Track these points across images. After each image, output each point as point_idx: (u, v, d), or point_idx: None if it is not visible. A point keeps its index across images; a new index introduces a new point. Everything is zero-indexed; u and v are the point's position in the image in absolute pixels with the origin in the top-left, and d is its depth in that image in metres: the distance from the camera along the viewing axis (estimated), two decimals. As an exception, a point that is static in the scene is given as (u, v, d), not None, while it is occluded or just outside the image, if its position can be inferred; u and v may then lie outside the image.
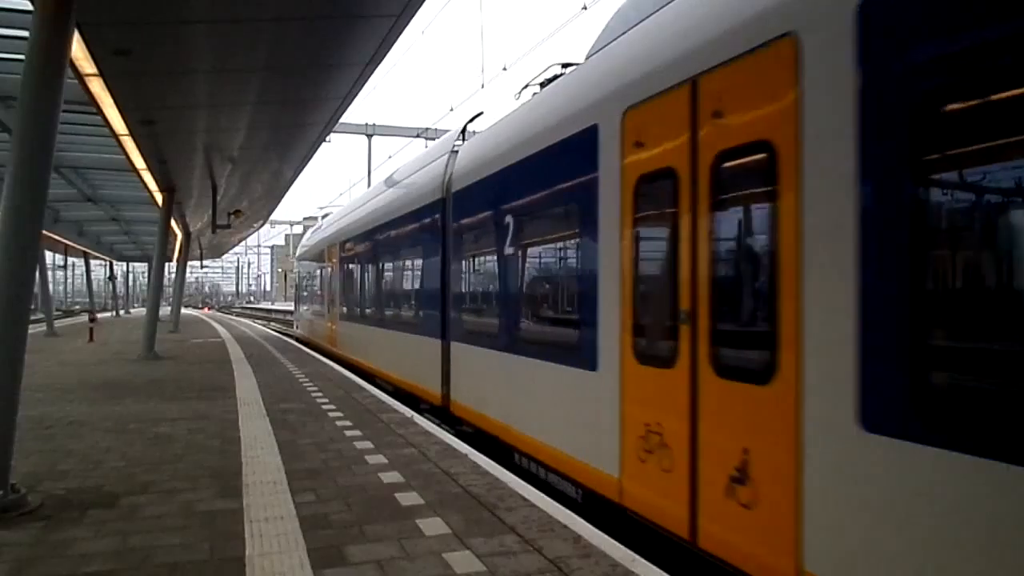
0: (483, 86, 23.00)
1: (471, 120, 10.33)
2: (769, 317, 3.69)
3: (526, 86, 8.07)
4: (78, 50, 7.78)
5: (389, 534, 4.33)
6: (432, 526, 4.46)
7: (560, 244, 6.49)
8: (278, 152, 15.18)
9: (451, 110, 35.55)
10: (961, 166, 2.94)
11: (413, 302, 11.00)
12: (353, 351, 15.27)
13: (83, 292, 61.47)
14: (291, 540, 4.24)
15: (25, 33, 8.68)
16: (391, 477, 5.65)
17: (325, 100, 10.73)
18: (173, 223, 23.07)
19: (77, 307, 64.56)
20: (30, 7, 5.70)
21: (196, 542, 4.21)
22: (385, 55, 8.51)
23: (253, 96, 10.49)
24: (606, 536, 4.32)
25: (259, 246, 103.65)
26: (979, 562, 2.68)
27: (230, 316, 55.52)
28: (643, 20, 5.40)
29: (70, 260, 48.81)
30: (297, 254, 26.85)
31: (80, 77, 8.82)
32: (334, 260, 17.45)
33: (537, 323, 6.93)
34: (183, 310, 37.46)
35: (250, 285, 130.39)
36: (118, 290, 54.08)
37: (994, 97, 2.76)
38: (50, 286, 32.19)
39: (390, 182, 13.59)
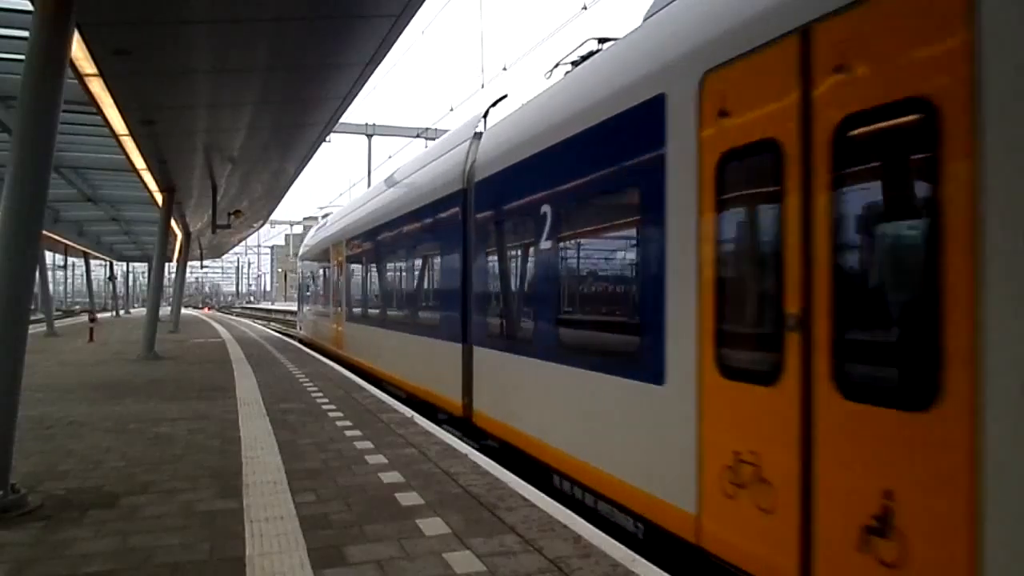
0: (483, 86, 23.01)
1: (494, 104, 9.28)
2: (931, 324, 2.90)
3: (557, 64, 7.32)
4: (78, 50, 7.78)
5: (389, 534, 4.33)
6: (432, 526, 4.46)
7: (613, 234, 5.64)
8: (278, 152, 15.18)
9: (451, 110, 35.56)
10: None
11: (428, 302, 10.15)
12: (361, 354, 14.47)
13: (83, 292, 61.47)
14: (291, 540, 4.23)
15: (25, 33, 8.70)
16: (391, 477, 5.65)
17: (325, 100, 10.74)
18: (173, 223, 23.07)
19: (77, 307, 64.58)
20: (30, 7, 5.70)
21: (196, 542, 4.21)
22: (385, 55, 8.51)
23: (253, 96, 10.49)
24: (606, 536, 4.31)
25: (259, 246, 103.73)
26: None
27: (230, 316, 55.54)
28: None
29: (70, 260, 48.86)
30: (301, 252, 26.18)
31: (80, 77, 8.82)
32: (340, 258, 16.60)
33: (582, 327, 6.00)
34: (183, 310, 37.48)
35: (250, 285, 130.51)
36: (118, 290, 54.08)
37: None
38: (50, 286, 32.20)
39: (401, 174, 12.76)
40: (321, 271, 19.96)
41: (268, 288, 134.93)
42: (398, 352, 11.60)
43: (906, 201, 3.23)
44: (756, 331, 3.94)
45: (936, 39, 2.93)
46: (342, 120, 13.08)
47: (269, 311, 63.64)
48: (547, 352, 6.26)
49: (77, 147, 15.83)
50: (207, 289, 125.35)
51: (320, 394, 10.30)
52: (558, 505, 4.93)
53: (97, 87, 9.31)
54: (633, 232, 5.14)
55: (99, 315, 30.56)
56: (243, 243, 67.06)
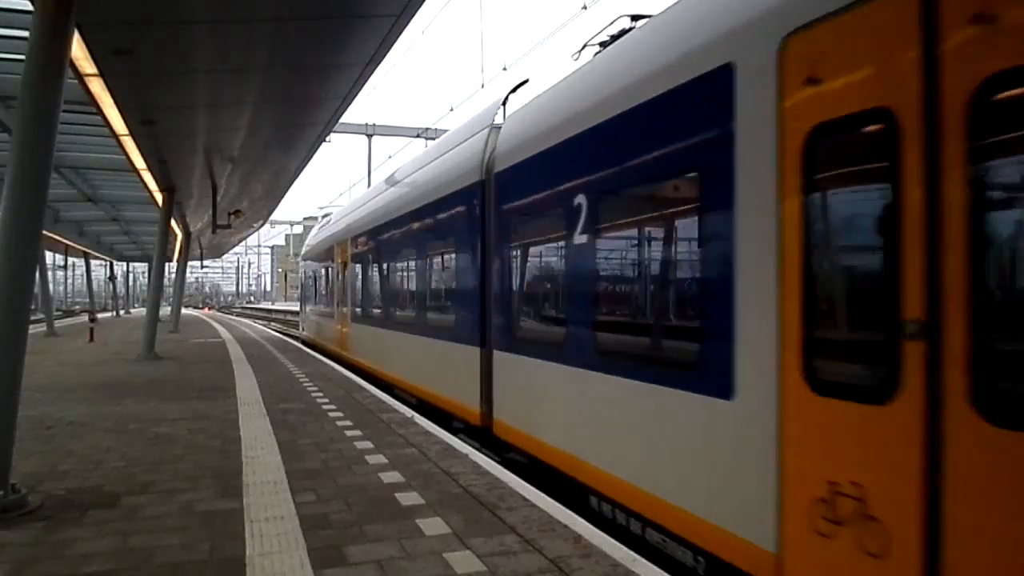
0: (483, 86, 23.03)
1: (514, 90, 8.60)
2: None
3: (585, 45, 6.78)
4: (78, 50, 7.78)
5: (389, 534, 4.33)
6: (432, 526, 4.46)
7: (666, 225, 4.94)
8: (278, 152, 15.18)
9: (451, 110, 35.57)
10: None
11: (441, 303, 9.54)
12: (369, 357, 13.74)
13: (83, 292, 61.50)
14: (291, 540, 4.23)
15: (25, 33, 8.69)
16: (391, 477, 5.65)
17: (325, 100, 10.74)
18: (173, 223, 23.08)
19: (77, 307, 64.59)
20: (30, 7, 5.70)
21: (196, 542, 4.21)
22: (385, 55, 8.51)
23: (253, 96, 10.50)
24: (606, 536, 4.31)
25: (259, 246, 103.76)
26: None
27: (230, 316, 55.55)
28: None
29: (70, 260, 48.85)
30: (304, 250, 25.44)
31: (80, 77, 8.83)
32: (346, 256, 15.86)
33: (627, 331, 5.34)
34: (183, 310, 37.47)
35: (250, 285, 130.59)
36: (118, 290, 54.10)
37: None
38: (50, 286, 32.24)
39: (410, 168, 12.11)
40: (326, 270, 19.17)
41: (268, 288, 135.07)
42: (408, 355, 10.99)
43: None
44: (861, 338, 3.36)
45: None
46: (342, 120, 13.09)
47: (269, 311, 63.66)
48: (584, 359, 5.58)
49: (77, 147, 15.84)
50: (207, 289, 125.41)
51: (320, 394, 10.30)
52: (558, 505, 4.93)
53: (97, 87, 9.32)
54: (691, 222, 4.48)
55: (99, 315, 30.58)
56: (243, 243, 67.10)
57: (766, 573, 3.67)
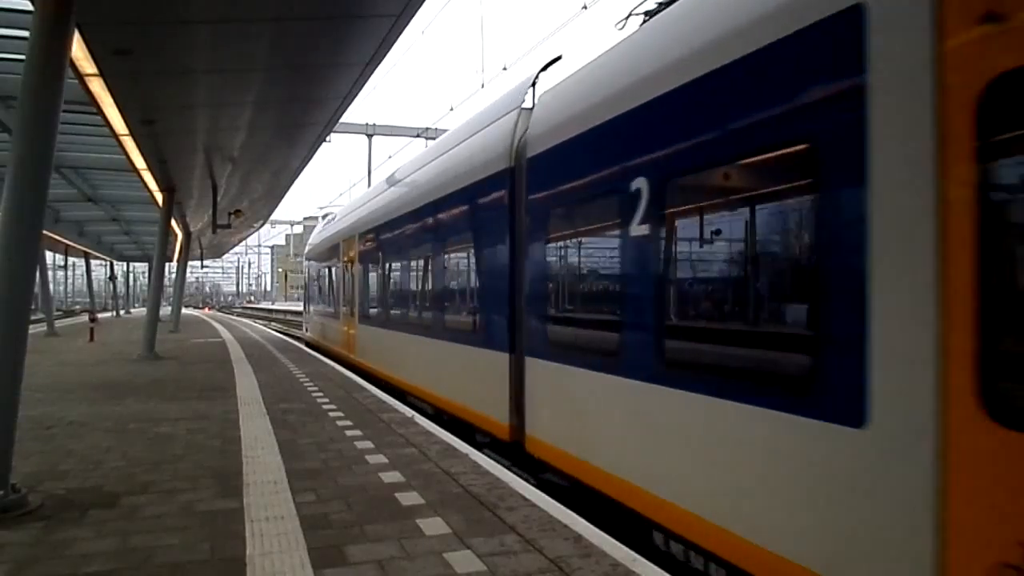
0: (483, 86, 23.03)
1: (545, 68, 7.72)
2: None
3: (630, 14, 6.13)
4: (78, 50, 7.79)
5: (389, 534, 4.33)
6: (432, 526, 4.46)
7: (764, 208, 4.10)
8: (278, 152, 15.19)
9: (451, 110, 35.58)
10: None
11: (462, 303, 8.77)
12: (379, 361, 12.81)
13: (83, 292, 61.51)
14: (291, 540, 4.23)
15: (25, 33, 8.70)
16: (391, 477, 5.65)
17: (325, 100, 10.74)
18: (173, 223, 23.09)
19: (77, 307, 64.64)
20: (30, 7, 5.70)
21: (196, 542, 4.21)
22: (385, 55, 8.51)
23: (253, 96, 10.50)
24: (607, 536, 4.30)
25: (259, 246, 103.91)
26: None
27: (231, 316, 55.59)
28: None
29: (70, 260, 48.90)
30: (308, 248, 24.56)
31: (80, 77, 8.83)
32: (355, 253, 14.97)
33: (708, 338, 4.45)
34: (183, 310, 37.50)
35: (250, 285, 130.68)
36: (118, 290, 54.13)
37: None
38: (50, 286, 32.26)
39: (423, 159, 11.32)
40: (333, 269, 18.07)
41: (268, 288, 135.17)
42: (423, 360, 10.11)
43: None
44: None
45: None
46: (342, 120, 13.10)
47: (270, 311, 63.77)
48: (648, 371, 4.72)
49: (77, 147, 15.86)
50: (207, 289, 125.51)
51: (320, 394, 10.30)
52: (558, 505, 4.93)
53: (97, 87, 9.32)
54: (798, 203, 3.75)
55: (99, 315, 30.60)
56: (243, 243, 67.15)
57: None
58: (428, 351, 9.82)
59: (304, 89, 10.39)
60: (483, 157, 7.94)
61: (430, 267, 9.91)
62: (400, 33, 7.78)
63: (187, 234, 30.24)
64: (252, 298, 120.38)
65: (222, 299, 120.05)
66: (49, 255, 39.13)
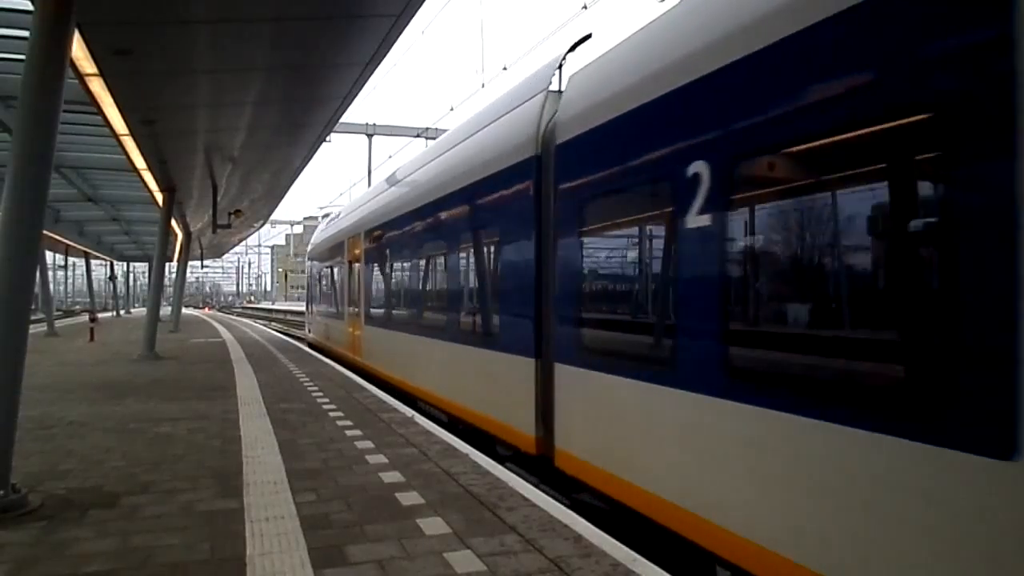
0: (483, 86, 23.02)
1: (573, 48, 7.03)
2: None
3: None
4: (78, 50, 7.79)
5: (390, 534, 4.33)
6: (433, 526, 4.46)
7: (861, 191, 3.41)
8: (278, 152, 15.20)
9: (451, 110, 35.55)
10: None
11: (480, 303, 8.12)
12: (387, 364, 12.14)
13: (84, 292, 61.52)
14: (292, 540, 4.23)
15: (25, 33, 8.70)
16: (392, 477, 5.65)
17: (325, 100, 10.74)
18: (173, 223, 23.09)
19: (78, 307, 64.66)
20: (30, 7, 5.71)
21: (197, 542, 4.21)
22: (385, 55, 8.51)
23: (253, 96, 10.50)
24: (607, 536, 4.30)
25: (259, 246, 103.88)
26: None
27: (231, 316, 55.59)
28: None
29: (71, 260, 48.90)
30: (311, 245, 23.85)
31: (80, 77, 8.83)
32: (362, 251, 14.30)
33: (792, 346, 3.76)
34: (183, 310, 37.50)
35: (251, 285, 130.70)
36: (119, 290, 54.15)
37: None
38: (51, 286, 32.27)
39: (438, 150, 10.56)
40: (338, 268, 17.28)
41: (269, 288, 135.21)
42: (435, 365, 9.51)
43: None
44: None
45: None
46: (342, 120, 13.09)
47: (270, 311, 63.80)
48: (712, 383, 4.11)
49: (77, 147, 15.86)
50: (207, 289, 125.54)
51: (320, 394, 10.30)
52: (559, 505, 4.93)
53: (97, 87, 9.32)
54: (920, 180, 3.06)
55: (100, 315, 30.61)
56: (243, 243, 67.15)
57: None
58: (442, 354, 9.17)
59: (304, 89, 10.39)
60: (506, 145, 7.33)
61: (445, 265, 9.27)
62: (400, 33, 7.78)
63: (187, 234, 30.24)
64: (252, 298, 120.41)
65: (222, 299, 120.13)
66: (49, 255, 39.15)
